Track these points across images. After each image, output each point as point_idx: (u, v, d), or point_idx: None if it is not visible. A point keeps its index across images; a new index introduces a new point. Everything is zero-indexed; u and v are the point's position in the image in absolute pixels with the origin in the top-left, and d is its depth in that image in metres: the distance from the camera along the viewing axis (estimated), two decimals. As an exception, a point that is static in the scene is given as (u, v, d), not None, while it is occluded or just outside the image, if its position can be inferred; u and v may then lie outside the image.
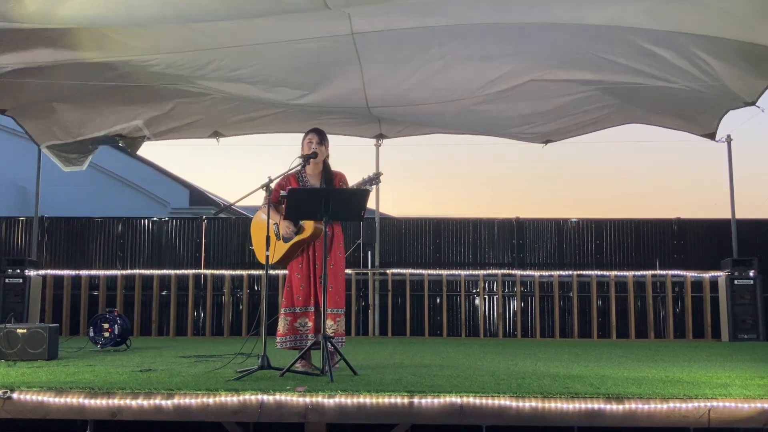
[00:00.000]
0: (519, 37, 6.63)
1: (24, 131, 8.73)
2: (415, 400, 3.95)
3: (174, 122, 9.13)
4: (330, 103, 7.98)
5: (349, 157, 10.47)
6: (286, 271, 5.58)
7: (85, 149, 9.28)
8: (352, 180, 5.44)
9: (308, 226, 5.27)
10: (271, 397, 3.97)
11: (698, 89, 7.47)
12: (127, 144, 9.20)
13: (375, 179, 5.20)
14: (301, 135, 5.69)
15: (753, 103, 7.70)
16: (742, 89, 7.32)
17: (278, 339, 5.45)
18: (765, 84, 6.96)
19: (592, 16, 6.08)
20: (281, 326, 5.44)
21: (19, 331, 6.16)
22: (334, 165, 5.65)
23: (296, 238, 5.31)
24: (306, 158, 5.44)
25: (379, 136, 10.04)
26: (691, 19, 5.90)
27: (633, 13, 5.90)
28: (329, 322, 5.29)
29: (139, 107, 8.54)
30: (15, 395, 4.07)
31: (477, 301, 10.92)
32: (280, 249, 5.32)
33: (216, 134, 9.65)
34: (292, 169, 5.42)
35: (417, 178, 31.43)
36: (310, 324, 5.42)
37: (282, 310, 5.49)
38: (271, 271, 6.61)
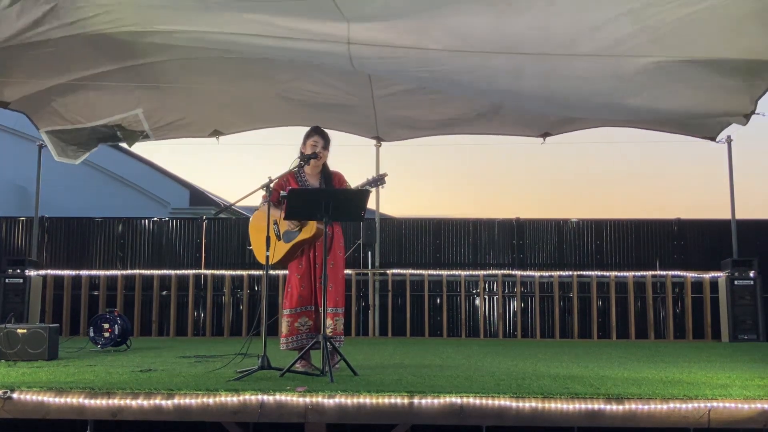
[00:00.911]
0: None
1: (26, 116, 8.67)
2: (415, 400, 3.95)
3: (173, 114, 9.07)
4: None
5: (350, 157, 10.47)
6: (286, 272, 5.58)
7: (86, 144, 9.24)
8: (353, 180, 5.44)
9: (310, 226, 5.27)
10: (271, 398, 3.97)
11: (701, 106, 7.47)
12: (126, 136, 9.14)
13: (379, 180, 5.18)
14: (298, 128, 5.69)
15: (753, 113, 7.72)
16: (743, 102, 7.31)
17: (282, 340, 5.45)
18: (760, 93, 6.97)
19: (586, 44, 6.04)
20: (284, 328, 5.44)
21: (19, 331, 6.16)
22: (334, 165, 5.66)
23: (297, 239, 5.30)
24: (306, 159, 5.44)
25: (377, 139, 10.03)
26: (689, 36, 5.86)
27: (631, 39, 5.86)
28: (328, 322, 5.29)
29: (139, 94, 8.47)
30: (15, 395, 4.07)
31: (477, 302, 10.93)
32: (280, 249, 5.31)
33: (216, 132, 9.62)
34: (293, 168, 5.43)
35: (417, 179, 31.42)
36: (311, 323, 5.43)
37: (284, 312, 5.49)
38: (271, 272, 6.57)
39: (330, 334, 5.25)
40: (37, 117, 8.67)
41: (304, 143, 5.55)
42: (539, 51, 6.17)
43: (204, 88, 8.22)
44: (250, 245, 5.54)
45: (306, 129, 5.68)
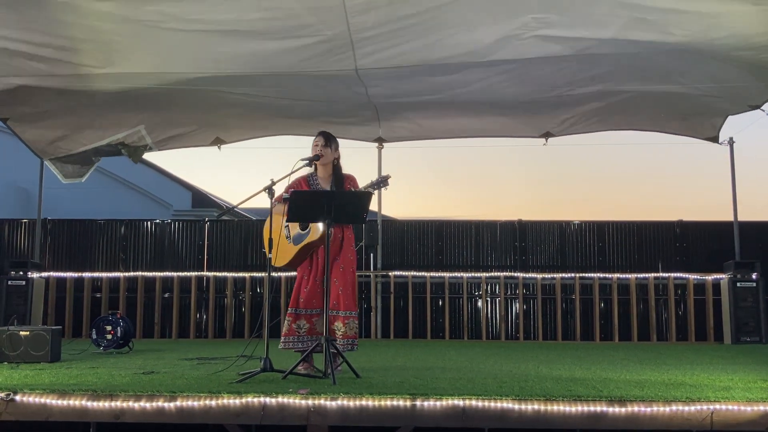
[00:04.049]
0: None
1: (26, 146, 8.76)
2: (418, 402, 3.95)
3: (175, 128, 9.14)
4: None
5: (352, 159, 10.45)
6: (288, 273, 5.59)
7: (88, 161, 9.32)
8: (362, 183, 5.43)
9: (317, 229, 5.26)
10: (273, 400, 3.97)
11: (704, 94, 7.48)
12: (129, 153, 9.22)
13: (383, 182, 5.17)
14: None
15: (758, 107, 7.72)
16: (749, 93, 7.33)
17: (282, 339, 5.45)
18: None
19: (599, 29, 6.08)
20: (285, 327, 5.44)
21: (21, 333, 6.16)
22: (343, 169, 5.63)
23: (305, 241, 5.30)
24: (309, 160, 5.43)
25: (379, 140, 10.03)
26: (701, 30, 5.90)
27: (642, 26, 5.88)
28: (338, 324, 5.29)
29: (141, 113, 8.56)
30: (18, 397, 4.08)
31: (479, 304, 10.92)
32: (290, 251, 5.32)
33: (217, 140, 9.65)
34: (296, 170, 5.41)
35: (419, 181, 31.46)
36: (308, 326, 5.40)
37: (287, 311, 5.49)
38: (274, 273, 6.59)
39: (341, 336, 5.25)
40: (40, 147, 8.77)
41: (311, 148, 5.55)
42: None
43: (205, 101, 8.30)
44: (263, 247, 5.53)
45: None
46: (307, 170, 5.52)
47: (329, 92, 7.70)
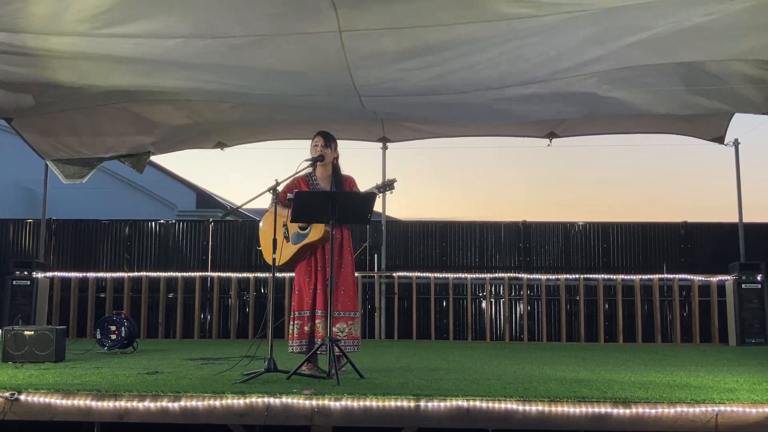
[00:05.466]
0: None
1: (29, 146, 8.80)
2: (422, 403, 3.95)
3: (179, 137, 9.20)
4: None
5: (355, 159, 10.48)
6: (293, 274, 5.58)
7: (90, 163, 9.38)
8: (362, 185, 5.43)
9: (318, 228, 5.26)
10: (277, 400, 3.98)
11: (711, 100, 7.46)
12: (133, 164, 9.28)
13: (388, 186, 5.16)
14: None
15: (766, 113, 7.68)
16: (756, 99, 7.28)
17: (290, 343, 5.44)
18: None
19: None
20: (292, 330, 5.43)
21: (26, 333, 6.18)
22: (341, 169, 5.64)
23: (305, 241, 5.30)
24: (313, 161, 5.44)
25: (383, 140, 10.02)
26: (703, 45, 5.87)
27: (645, 47, 5.87)
28: (341, 325, 5.29)
29: (145, 132, 8.65)
30: (22, 397, 4.09)
31: (483, 305, 10.91)
32: (288, 251, 5.32)
33: (220, 144, 9.69)
34: (300, 171, 5.42)
35: (424, 181, 31.46)
36: (320, 327, 5.41)
37: (292, 314, 5.48)
38: (278, 274, 6.59)
39: (345, 338, 5.25)
40: (43, 149, 8.82)
41: (310, 149, 5.55)
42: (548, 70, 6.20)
43: (209, 112, 8.34)
44: (259, 246, 5.54)
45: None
46: (306, 170, 5.52)
47: (331, 104, 7.67)
